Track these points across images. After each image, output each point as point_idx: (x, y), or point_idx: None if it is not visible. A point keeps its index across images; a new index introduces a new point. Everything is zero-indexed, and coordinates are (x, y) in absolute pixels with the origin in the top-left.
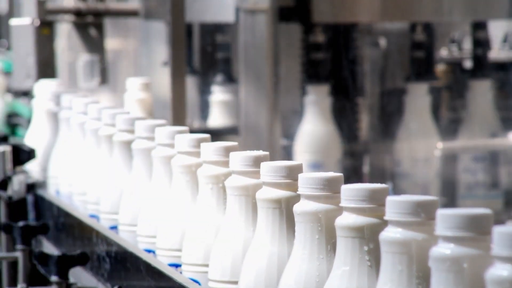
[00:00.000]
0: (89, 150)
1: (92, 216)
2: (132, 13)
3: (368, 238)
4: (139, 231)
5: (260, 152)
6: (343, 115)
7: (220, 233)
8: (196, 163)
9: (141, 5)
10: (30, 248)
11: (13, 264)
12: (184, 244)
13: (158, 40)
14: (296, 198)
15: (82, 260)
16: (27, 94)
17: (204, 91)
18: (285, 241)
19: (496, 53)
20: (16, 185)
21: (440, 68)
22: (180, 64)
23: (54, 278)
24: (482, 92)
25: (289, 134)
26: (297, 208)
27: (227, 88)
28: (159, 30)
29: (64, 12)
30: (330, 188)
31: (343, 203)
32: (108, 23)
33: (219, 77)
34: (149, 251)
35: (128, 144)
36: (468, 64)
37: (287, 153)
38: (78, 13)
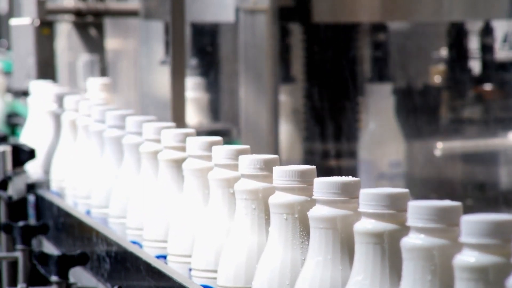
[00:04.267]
0: (128, 167)
1: (134, 242)
2: (132, 13)
3: (494, 280)
4: (194, 264)
5: (349, 178)
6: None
7: (303, 273)
8: (263, 188)
9: (141, 5)
10: (30, 248)
11: (13, 264)
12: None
13: (158, 40)
14: (402, 232)
15: (82, 260)
16: (27, 94)
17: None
18: (388, 283)
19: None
20: (16, 185)
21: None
22: (180, 64)
23: (54, 278)
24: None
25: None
26: (406, 243)
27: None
28: (159, 30)
29: (64, 12)
30: (445, 220)
31: (463, 239)
32: (108, 23)
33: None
34: (206, 287)
35: (178, 163)
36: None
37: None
38: (78, 13)
